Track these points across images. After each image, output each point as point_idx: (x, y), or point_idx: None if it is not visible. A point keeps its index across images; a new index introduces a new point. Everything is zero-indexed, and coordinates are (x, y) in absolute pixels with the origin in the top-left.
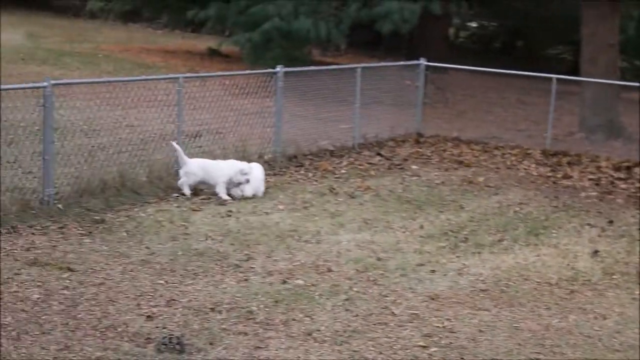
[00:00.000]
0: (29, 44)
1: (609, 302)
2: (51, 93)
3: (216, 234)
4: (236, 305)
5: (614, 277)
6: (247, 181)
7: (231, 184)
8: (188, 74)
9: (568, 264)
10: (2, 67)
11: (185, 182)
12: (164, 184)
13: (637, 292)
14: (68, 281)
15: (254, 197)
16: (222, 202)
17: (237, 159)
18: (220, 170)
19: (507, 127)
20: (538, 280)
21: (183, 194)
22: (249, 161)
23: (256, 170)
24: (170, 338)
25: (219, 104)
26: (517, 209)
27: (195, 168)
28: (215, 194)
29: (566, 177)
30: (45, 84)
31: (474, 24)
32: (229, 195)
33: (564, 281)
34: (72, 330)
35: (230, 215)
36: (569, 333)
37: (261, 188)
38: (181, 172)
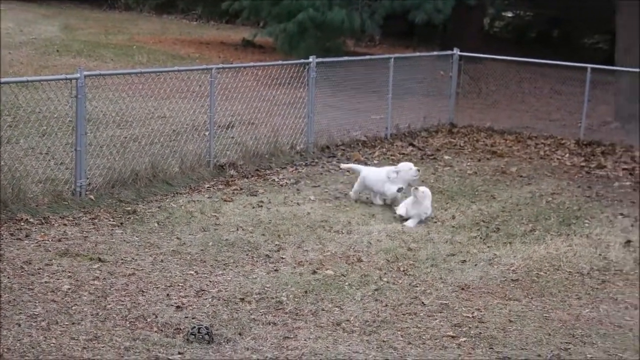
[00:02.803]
0: (64, 35)
1: None
2: (83, 84)
3: (247, 224)
4: (266, 296)
5: None
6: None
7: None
8: (221, 65)
9: (600, 254)
10: (37, 59)
11: (354, 190)
12: (195, 174)
13: None
14: (99, 272)
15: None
16: (254, 193)
17: (268, 150)
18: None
19: (541, 117)
20: (569, 270)
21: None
22: (282, 152)
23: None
24: (200, 328)
25: (251, 94)
26: (550, 199)
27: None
28: None
29: (600, 167)
30: (77, 75)
31: (509, 14)
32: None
33: (596, 271)
34: (102, 321)
35: (261, 206)
36: (600, 323)
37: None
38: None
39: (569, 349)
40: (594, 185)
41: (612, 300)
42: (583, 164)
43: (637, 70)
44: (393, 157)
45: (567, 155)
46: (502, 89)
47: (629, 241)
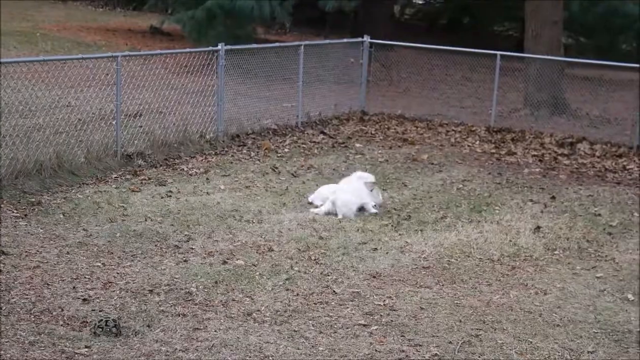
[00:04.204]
0: None
1: (550, 277)
2: None
3: (156, 214)
4: (175, 287)
5: (555, 252)
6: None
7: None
8: (127, 53)
9: (510, 240)
10: None
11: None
12: (102, 164)
13: (578, 267)
14: (2, 265)
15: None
16: (162, 183)
17: (177, 139)
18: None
19: (452, 104)
20: (480, 257)
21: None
22: (191, 141)
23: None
24: (107, 321)
25: (160, 83)
26: (461, 186)
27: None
28: None
29: (510, 153)
30: None
31: (420, 1)
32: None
33: (506, 257)
34: (6, 315)
35: (170, 196)
36: (510, 309)
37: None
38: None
39: (480, 335)
40: (504, 171)
41: (522, 286)
42: (493, 150)
43: (545, 57)
44: (304, 145)
45: (477, 142)
46: (413, 76)
47: (538, 227)
